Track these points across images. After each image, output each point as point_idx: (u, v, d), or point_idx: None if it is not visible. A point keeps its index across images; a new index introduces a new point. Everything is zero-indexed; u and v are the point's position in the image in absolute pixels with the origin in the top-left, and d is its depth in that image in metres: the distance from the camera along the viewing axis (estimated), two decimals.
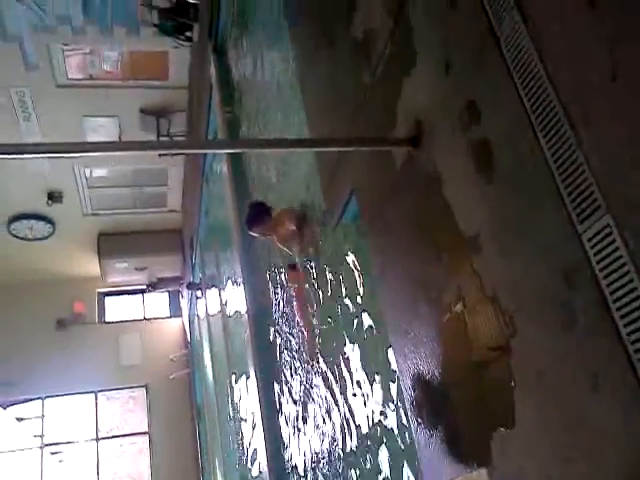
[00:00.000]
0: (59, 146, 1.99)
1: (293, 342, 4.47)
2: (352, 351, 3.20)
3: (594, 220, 1.44)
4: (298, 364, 4.35)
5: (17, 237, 10.80)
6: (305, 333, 4.06)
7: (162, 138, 9.00)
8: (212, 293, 9.16)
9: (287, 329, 4.65)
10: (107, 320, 13.02)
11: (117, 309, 13.27)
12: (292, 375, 4.55)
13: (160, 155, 7.80)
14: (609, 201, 1.40)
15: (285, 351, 4.75)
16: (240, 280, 6.34)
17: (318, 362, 3.80)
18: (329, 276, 3.50)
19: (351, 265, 3.12)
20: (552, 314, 1.59)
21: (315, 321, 3.84)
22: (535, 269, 1.66)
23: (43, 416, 11.77)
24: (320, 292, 3.69)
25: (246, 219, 4.10)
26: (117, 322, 12.91)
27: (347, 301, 3.23)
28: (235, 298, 6.90)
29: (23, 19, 7.15)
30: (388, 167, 2.46)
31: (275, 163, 4.78)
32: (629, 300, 1.36)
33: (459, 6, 1.94)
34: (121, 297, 13.39)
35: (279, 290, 4.90)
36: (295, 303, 4.19)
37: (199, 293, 10.40)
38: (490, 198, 1.83)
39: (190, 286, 10.92)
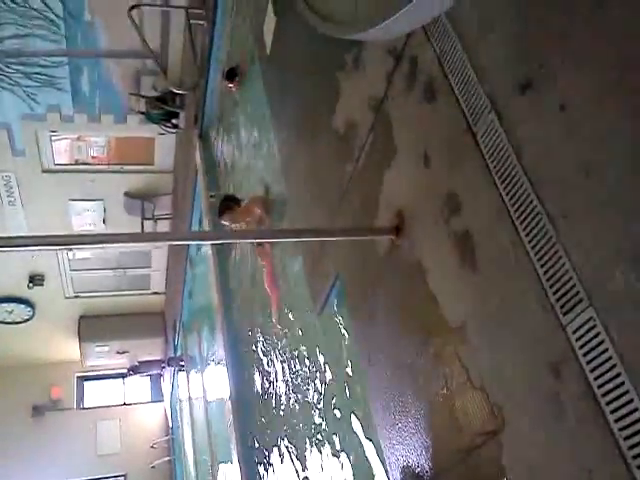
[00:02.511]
0: (44, 239, 1.98)
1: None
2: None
3: (577, 312, 1.45)
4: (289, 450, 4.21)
5: None
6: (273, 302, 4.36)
7: (147, 221, 9.05)
8: (194, 377, 8.95)
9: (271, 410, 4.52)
10: (86, 406, 12.58)
11: (96, 394, 12.86)
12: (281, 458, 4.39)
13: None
14: (591, 294, 1.42)
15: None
16: (223, 363, 6.22)
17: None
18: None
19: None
20: (541, 406, 1.57)
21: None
22: (522, 360, 1.65)
23: None
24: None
25: (217, 210, 4.53)
26: (96, 407, 12.49)
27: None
28: (217, 382, 6.74)
29: (13, 107, 7.32)
30: (372, 255, 2.49)
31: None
32: (618, 395, 1.35)
33: (436, 103, 2.02)
34: (101, 381, 13.01)
35: (262, 372, 4.81)
36: (265, 277, 4.47)
37: (180, 368, 10.20)
38: (474, 289, 1.84)
39: (171, 361, 10.71)
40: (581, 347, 1.44)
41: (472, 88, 1.82)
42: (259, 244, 4.40)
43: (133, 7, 5.78)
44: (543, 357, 1.56)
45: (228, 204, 4.51)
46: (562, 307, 1.50)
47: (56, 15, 6.51)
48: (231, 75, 5.11)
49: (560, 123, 1.48)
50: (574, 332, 1.46)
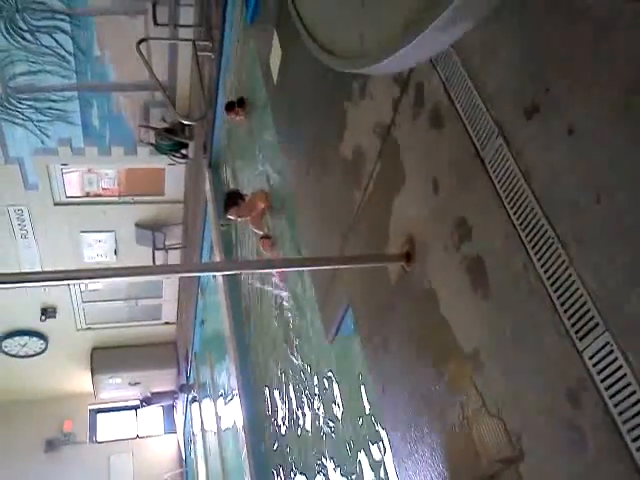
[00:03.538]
0: (56, 274, 1.99)
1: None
2: None
3: (593, 337, 1.43)
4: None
5: (8, 354, 10.60)
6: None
7: (158, 251, 9.09)
8: (207, 407, 8.88)
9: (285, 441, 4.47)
10: (98, 439, 12.49)
11: (109, 426, 12.77)
12: None
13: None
14: (607, 318, 1.40)
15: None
16: (236, 393, 6.18)
17: None
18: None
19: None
20: (560, 435, 1.54)
21: None
22: (538, 387, 1.62)
23: None
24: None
25: (223, 205, 4.75)
26: (108, 441, 12.39)
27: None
28: (231, 412, 6.68)
29: (25, 142, 7.43)
30: (383, 282, 2.47)
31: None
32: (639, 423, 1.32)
33: (443, 129, 2.03)
34: (113, 414, 12.93)
35: (275, 402, 4.76)
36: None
37: (193, 396, 10.14)
38: (487, 314, 1.82)
39: (184, 388, 10.65)
40: (599, 373, 1.41)
41: (479, 113, 1.82)
42: (266, 237, 4.57)
43: (141, 41, 5.89)
44: (560, 383, 1.53)
45: (233, 199, 4.72)
46: (577, 332, 1.48)
47: (67, 51, 6.65)
48: (231, 107, 5.21)
49: (569, 147, 1.47)
50: (590, 357, 1.44)
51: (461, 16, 0.66)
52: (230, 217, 4.82)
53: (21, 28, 6.30)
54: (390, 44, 0.72)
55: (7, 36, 6.32)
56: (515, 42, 1.67)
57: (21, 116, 7.13)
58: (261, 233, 4.72)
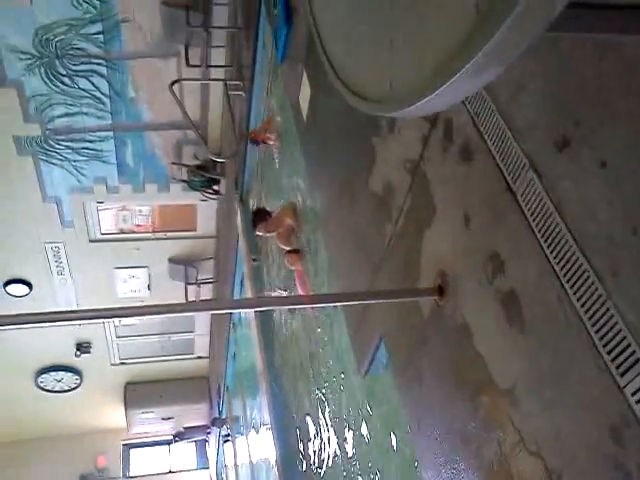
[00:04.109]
0: (90, 312, 2.04)
1: None
2: None
3: (635, 373, 1.40)
4: None
5: (44, 390, 10.74)
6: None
7: (190, 286, 9.18)
8: (240, 441, 8.82)
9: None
10: (132, 474, 12.49)
11: (142, 461, 12.77)
12: None
13: None
14: None
15: None
16: (268, 427, 6.14)
17: None
18: None
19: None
20: (603, 474, 1.49)
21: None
22: (578, 425, 1.58)
23: None
24: None
25: (251, 222, 4.89)
26: (142, 476, 12.38)
27: None
28: (263, 446, 6.63)
29: (62, 182, 7.66)
30: (416, 316, 2.46)
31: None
32: None
33: (473, 163, 2.03)
34: (146, 449, 12.94)
35: (308, 437, 4.71)
36: (298, 282, 4.62)
37: (225, 430, 10.08)
38: (523, 349, 1.79)
39: (216, 422, 10.60)
40: None
41: (509, 148, 1.83)
42: (294, 251, 4.60)
43: (174, 82, 6.06)
44: (602, 420, 1.50)
45: (261, 216, 4.83)
46: (618, 367, 1.44)
47: (102, 93, 6.88)
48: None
49: (602, 180, 1.46)
50: (633, 394, 1.40)
51: (492, 61, 0.67)
52: (259, 233, 4.92)
53: (60, 73, 6.56)
54: (419, 89, 0.74)
55: (47, 81, 6.58)
56: (544, 76, 1.68)
57: (58, 156, 7.37)
58: (287, 248, 4.75)
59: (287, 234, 4.69)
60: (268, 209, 5.11)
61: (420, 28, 0.75)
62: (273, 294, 5.69)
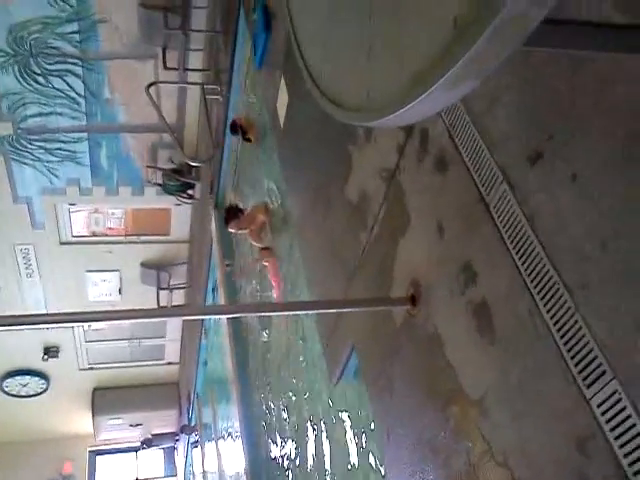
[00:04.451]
0: (60, 316, 2.00)
1: None
2: None
3: (601, 385, 1.41)
4: None
5: (9, 394, 10.50)
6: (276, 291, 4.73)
7: (162, 291, 9.08)
8: (209, 449, 8.73)
9: None
10: None
11: (109, 469, 12.54)
12: None
13: None
14: (615, 366, 1.38)
15: None
16: (238, 435, 6.08)
17: None
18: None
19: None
20: None
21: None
22: (546, 436, 1.59)
23: None
24: None
25: (224, 219, 4.96)
26: None
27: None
28: (233, 455, 6.57)
29: (34, 182, 7.52)
30: (388, 325, 2.46)
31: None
32: None
33: (448, 174, 2.05)
34: (113, 456, 12.72)
35: (278, 445, 4.68)
36: (270, 272, 4.79)
37: (194, 437, 9.97)
38: (493, 360, 1.80)
39: (185, 429, 10.47)
40: (607, 422, 1.39)
41: (483, 159, 1.84)
42: (265, 249, 4.77)
43: (151, 84, 6.01)
44: (568, 432, 1.51)
45: (233, 213, 4.92)
46: (585, 379, 1.46)
47: (77, 94, 6.79)
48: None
49: (573, 193, 1.49)
50: (599, 406, 1.42)
51: (469, 73, 0.68)
52: (231, 230, 5.01)
53: (34, 72, 6.46)
54: (396, 100, 0.74)
55: (20, 79, 6.47)
56: (518, 89, 1.71)
57: (31, 156, 7.25)
58: (260, 246, 4.88)
59: (259, 231, 4.83)
60: (241, 206, 5.21)
61: (399, 38, 0.76)
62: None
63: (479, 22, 0.61)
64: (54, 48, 6.32)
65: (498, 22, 0.60)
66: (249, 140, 5.08)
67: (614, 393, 1.38)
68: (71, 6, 6.02)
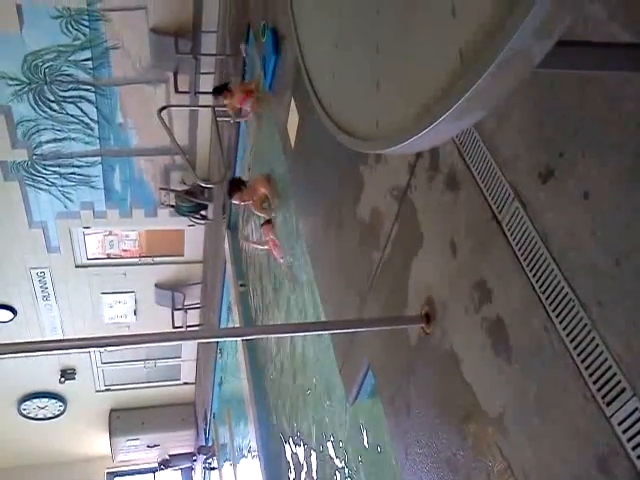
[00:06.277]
0: (75, 342, 2.01)
1: None
2: None
3: (621, 403, 1.40)
4: None
5: (27, 417, 10.55)
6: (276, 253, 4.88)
7: (177, 311, 9.12)
8: (226, 470, 8.69)
9: None
10: None
11: None
12: None
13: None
14: (635, 383, 1.37)
15: None
16: (255, 455, 6.05)
17: None
18: None
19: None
20: None
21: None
22: (566, 454, 1.58)
23: None
24: None
25: (227, 191, 5.08)
26: None
27: None
28: (251, 475, 6.53)
29: (49, 207, 7.62)
30: (403, 344, 2.45)
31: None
32: None
33: (459, 192, 2.06)
34: (131, 477, 12.70)
35: (296, 465, 4.65)
36: (272, 248, 4.92)
37: (211, 460, 9.93)
38: (510, 378, 1.79)
39: (202, 449, 10.44)
40: (629, 440, 1.38)
41: (494, 177, 1.85)
42: (267, 222, 4.91)
43: (163, 108, 6.09)
44: (589, 450, 1.49)
45: (237, 185, 5.04)
46: (604, 397, 1.45)
47: (91, 119, 6.90)
48: (219, 91, 5.29)
49: (585, 210, 1.49)
50: (619, 424, 1.41)
51: (475, 106, 0.69)
52: (234, 202, 5.13)
53: (49, 99, 6.58)
54: (404, 131, 0.76)
55: (35, 107, 6.59)
56: (528, 107, 1.72)
57: (46, 182, 7.35)
58: (264, 216, 5.01)
59: (261, 202, 4.97)
60: (243, 179, 5.33)
61: (406, 71, 0.77)
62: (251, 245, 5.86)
63: (484, 57, 0.63)
64: (68, 75, 6.44)
65: (502, 57, 0.61)
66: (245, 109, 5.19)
67: (635, 411, 1.37)
68: (84, 34, 6.14)
